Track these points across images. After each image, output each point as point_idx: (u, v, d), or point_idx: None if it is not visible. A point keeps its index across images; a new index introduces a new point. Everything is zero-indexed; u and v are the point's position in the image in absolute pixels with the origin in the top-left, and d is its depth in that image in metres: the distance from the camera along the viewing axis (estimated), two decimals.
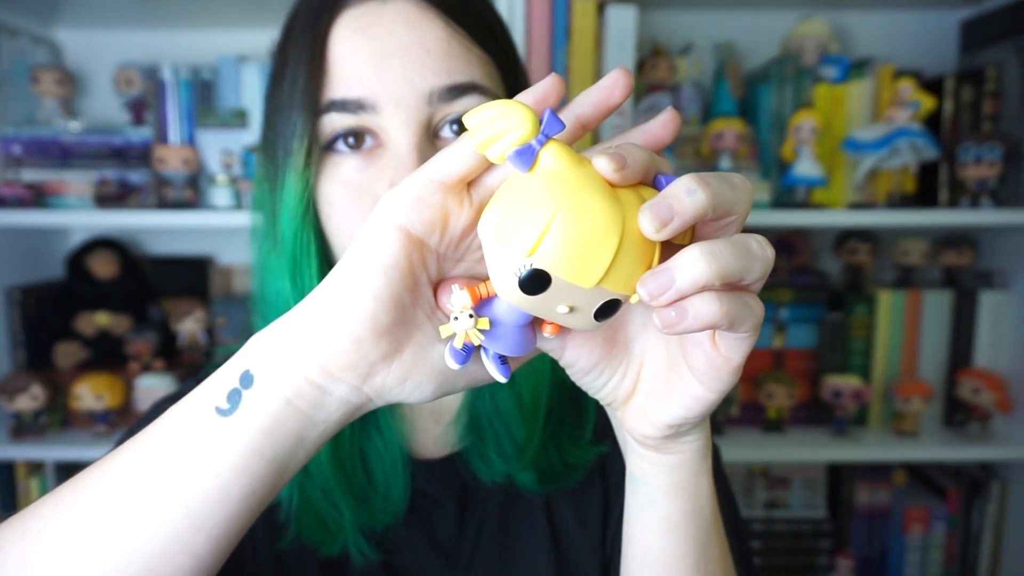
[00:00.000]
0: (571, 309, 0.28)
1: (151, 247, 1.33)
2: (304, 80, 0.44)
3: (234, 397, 0.31)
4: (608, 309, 0.28)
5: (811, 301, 1.19)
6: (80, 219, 1.09)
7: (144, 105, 1.16)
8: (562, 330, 0.33)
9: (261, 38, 1.22)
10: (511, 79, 0.49)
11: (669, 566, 0.38)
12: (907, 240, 1.21)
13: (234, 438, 0.31)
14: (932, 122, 1.10)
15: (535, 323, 0.32)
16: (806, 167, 1.06)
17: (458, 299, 0.30)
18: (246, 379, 0.31)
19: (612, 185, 0.28)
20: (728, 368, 0.30)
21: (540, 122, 0.27)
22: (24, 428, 1.11)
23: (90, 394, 1.10)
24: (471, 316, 0.30)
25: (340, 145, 0.44)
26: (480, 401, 0.52)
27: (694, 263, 0.26)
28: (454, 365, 0.31)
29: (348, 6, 0.44)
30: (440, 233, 0.31)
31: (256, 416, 0.31)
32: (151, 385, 1.10)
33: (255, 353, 0.32)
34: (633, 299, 0.28)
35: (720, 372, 0.30)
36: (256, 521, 0.49)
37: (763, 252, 0.28)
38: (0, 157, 1.10)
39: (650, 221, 0.26)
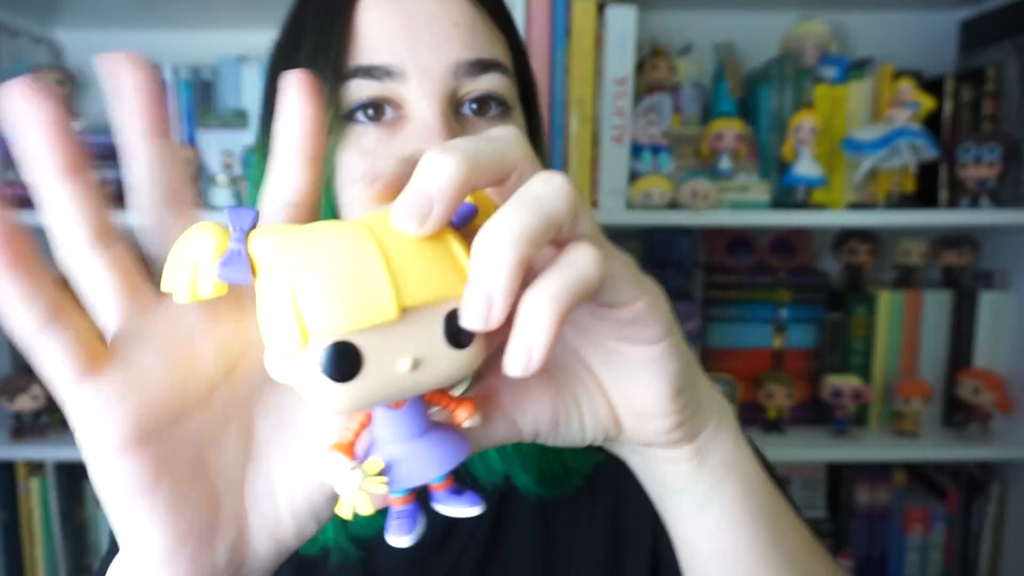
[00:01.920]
0: (415, 362, 0.21)
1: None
2: (329, 45, 0.42)
3: None
4: (458, 328, 0.21)
5: (811, 301, 1.19)
6: None
7: None
8: (478, 404, 0.25)
9: (261, 38, 1.21)
10: (522, 67, 0.49)
11: (744, 560, 0.32)
12: (907, 240, 1.21)
13: None
14: (932, 122, 1.10)
15: (445, 426, 0.25)
16: (806, 167, 1.06)
17: (331, 464, 0.22)
18: None
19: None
20: (657, 353, 0.26)
21: (227, 226, 0.21)
22: (24, 428, 1.11)
23: None
24: (353, 469, 0.22)
25: (359, 116, 0.42)
26: None
27: (495, 250, 0.20)
28: (405, 541, 0.24)
29: None
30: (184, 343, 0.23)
31: None
32: None
33: None
34: None
35: (655, 360, 0.26)
36: None
37: (550, 186, 0.22)
38: (0, 157, 1.10)
39: (406, 217, 0.21)
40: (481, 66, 0.42)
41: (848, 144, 1.08)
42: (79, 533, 1.21)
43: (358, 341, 0.20)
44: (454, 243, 0.22)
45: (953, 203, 1.11)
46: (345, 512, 0.22)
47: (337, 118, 0.42)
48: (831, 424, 1.15)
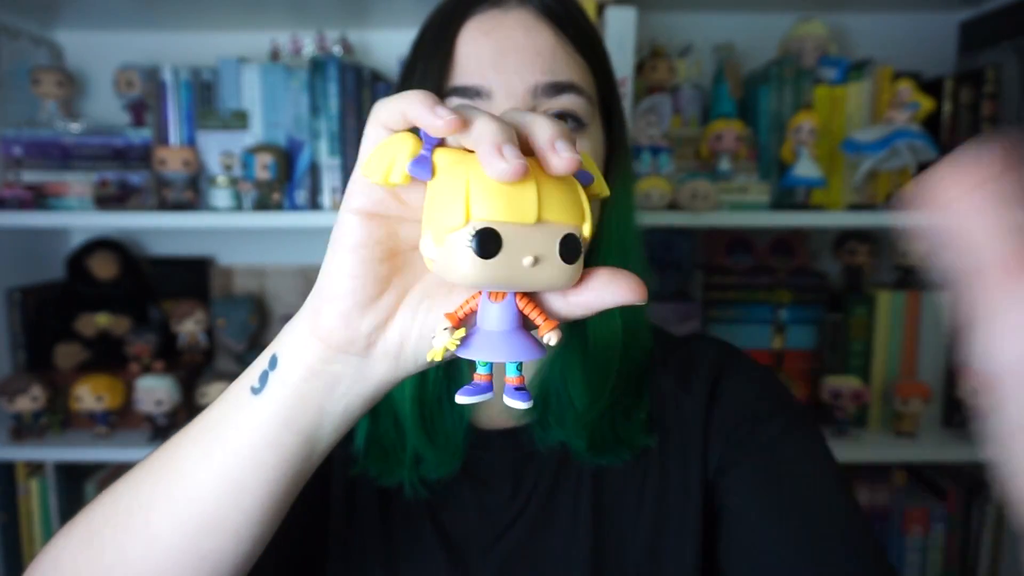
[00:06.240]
0: (536, 259, 0.28)
1: (151, 248, 1.34)
2: (433, 70, 0.50)
3: (263, 378, 0.37)
4: (571, 247, 0.29)
5: (810, 302, 1.19)
6: (80, 220, 1.09)
7: (144, 106, 1.16)
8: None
9: (261, 40, 1.22)
10: (605, 88, 0.55)
11: None
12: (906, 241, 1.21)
13: (264, 413, 0.36)
14: (931, 123, 1.10)
15: (528, 332, 0.32)
16: (805, 168, 1.06)
17: (439, 323, 0.33)
18: (273, 362, 0.37)
19: None
20: None
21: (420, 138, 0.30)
22: (24, 429, 1.11)
23: (90, 395, 1.10)
24: (445, 329, 0.31)
25: None
26: (551, 378, 0.56)
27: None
28: (466, 400, 0.32)
29: (475, 13, 0.51)
30: (397, 203, 0.34)
31: (280, 393, 0.36)
32: (151, 386, 1.10)
33: (282, 338, 0.37)
34: (586, 229, 0.30)
35: None
36: (335, 453, 0.55)
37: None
38: (1, 158, 1.10)
39: (563, 156, 0.29)
40: (557, 88, 0.50)
41: (847, 145, 1.08)
42: None
43: (502, 231, 0.27)
44: (581, 193, 0.30)
45: None
46: (430, 355, 0.32)
47: None
48: (831, 425, 1.15)
